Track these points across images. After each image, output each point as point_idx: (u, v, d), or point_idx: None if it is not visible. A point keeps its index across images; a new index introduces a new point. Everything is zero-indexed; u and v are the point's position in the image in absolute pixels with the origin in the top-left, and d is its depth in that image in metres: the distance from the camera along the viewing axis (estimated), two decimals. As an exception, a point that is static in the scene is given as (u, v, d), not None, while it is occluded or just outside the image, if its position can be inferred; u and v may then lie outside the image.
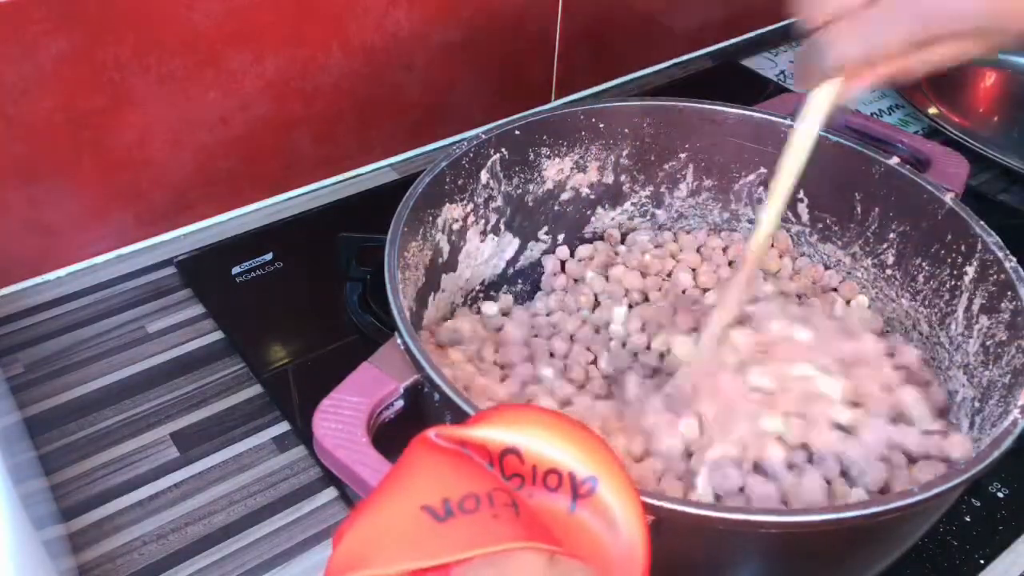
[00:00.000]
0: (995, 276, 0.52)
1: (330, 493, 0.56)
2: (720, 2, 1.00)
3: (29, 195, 0.66)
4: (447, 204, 0.58)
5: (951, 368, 0.54)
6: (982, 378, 0.51)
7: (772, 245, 0.65)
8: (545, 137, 0.62)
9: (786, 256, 0.65)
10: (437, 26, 0.79)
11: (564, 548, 0.33)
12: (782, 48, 1.03)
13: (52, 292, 0.69)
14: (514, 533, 0.32)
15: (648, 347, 0.57)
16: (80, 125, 0.65)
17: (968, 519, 0.55)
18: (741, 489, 0.48)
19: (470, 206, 0.60)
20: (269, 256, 0.71)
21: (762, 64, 1.00)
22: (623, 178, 0.66)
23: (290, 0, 0.70)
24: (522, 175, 0.62)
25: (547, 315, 0.61)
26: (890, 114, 0.93)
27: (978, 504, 0.56)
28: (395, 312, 0.47)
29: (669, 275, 0.63)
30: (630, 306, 0.61)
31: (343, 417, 0.43)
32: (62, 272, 0.70)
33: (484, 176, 0.60)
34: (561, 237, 0.66)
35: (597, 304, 0.62)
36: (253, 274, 0.70)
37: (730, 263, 0.65)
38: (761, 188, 0.65)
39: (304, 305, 0.68)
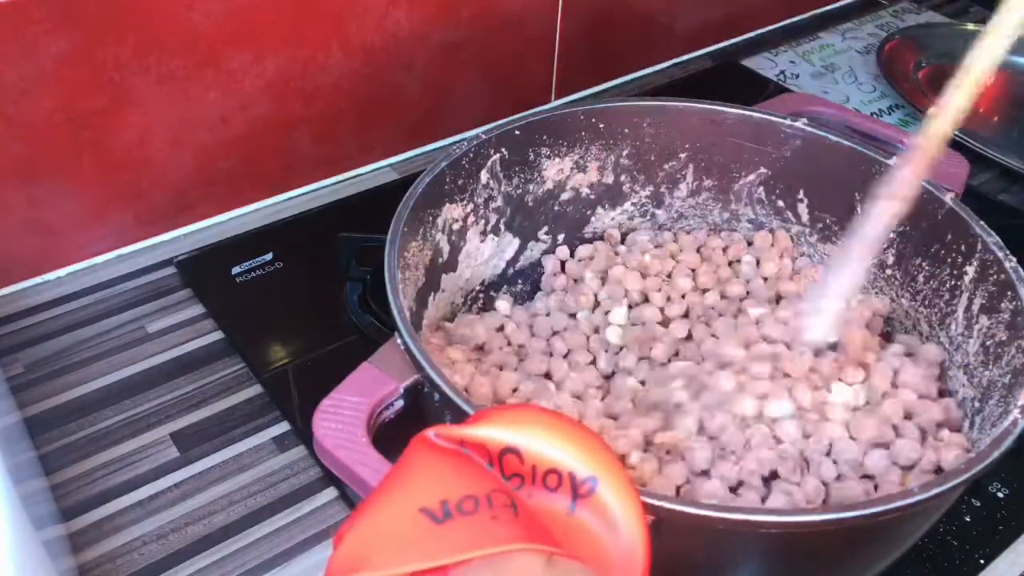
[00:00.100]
0: (995, 276, 0.52)
1: (330, 493, 0.56)
2: (720, 2, 1.00)
3: (29, 195, 0.66)
4: (447, 204, 0.58)
5: (951, 368, 0.54)
6: (982, 378, 0.51)
7: (772, 244, 0.66)
8: (545, 137, 0.62)
9: (786, 257, 0.65)
10: (437, 26, 0.79)
11: (563, 549, 0.33)
12: (782, 48, 1.03)
13: (52, 292, 0.69)
14: (512, 534, 0.32)
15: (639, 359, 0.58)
16: (80, 125, 0.65)
17: (968, 519, 0.55)
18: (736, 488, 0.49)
19: (470, 206, 0.60)
20: (269, 256, 0.71)
21: (762, 64, 1.00)
22: (623, 178, 0.66)
23: (290, 0, 0.70)
24: (522, 175, 0.62)
25: (547, 315, 0.61)
26: (890, 114, 0.93)
27: (978, 504, 0.56)
28: (395, 312, 0.47)
29: (669, 276, 0.63)
30: (630, 306, 0.61)
31: (343, 417, 0.43)
32: (62, 272, 0.70)
33: (484, 176, 0.60)
34: (561, 237, 0.66)
35: (597, 304, 0.62)
36: (253, 274, 0.70)
37: (730, 263, 0.65)
38: (761, 188, 0.65)
39: (304, 305, 0.68)
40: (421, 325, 0.55)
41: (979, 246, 0.53)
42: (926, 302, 0.58)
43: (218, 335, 0.66)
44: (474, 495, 0.33)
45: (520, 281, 0.65)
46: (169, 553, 0.53)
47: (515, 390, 0.54)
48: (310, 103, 0.75)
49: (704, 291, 0.63)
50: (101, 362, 0.63)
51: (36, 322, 0.66)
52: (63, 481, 0.56)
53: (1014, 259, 0.51)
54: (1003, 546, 0.54)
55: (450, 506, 0.32)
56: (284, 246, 0.72)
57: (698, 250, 0.66)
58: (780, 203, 0.65)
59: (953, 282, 0.55)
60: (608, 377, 0.57)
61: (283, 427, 0.60)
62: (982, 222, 0.54)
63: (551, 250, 0.66)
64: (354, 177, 0.82)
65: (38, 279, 0.69)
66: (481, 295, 0.63)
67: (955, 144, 0.79)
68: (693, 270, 0.64)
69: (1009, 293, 0.50)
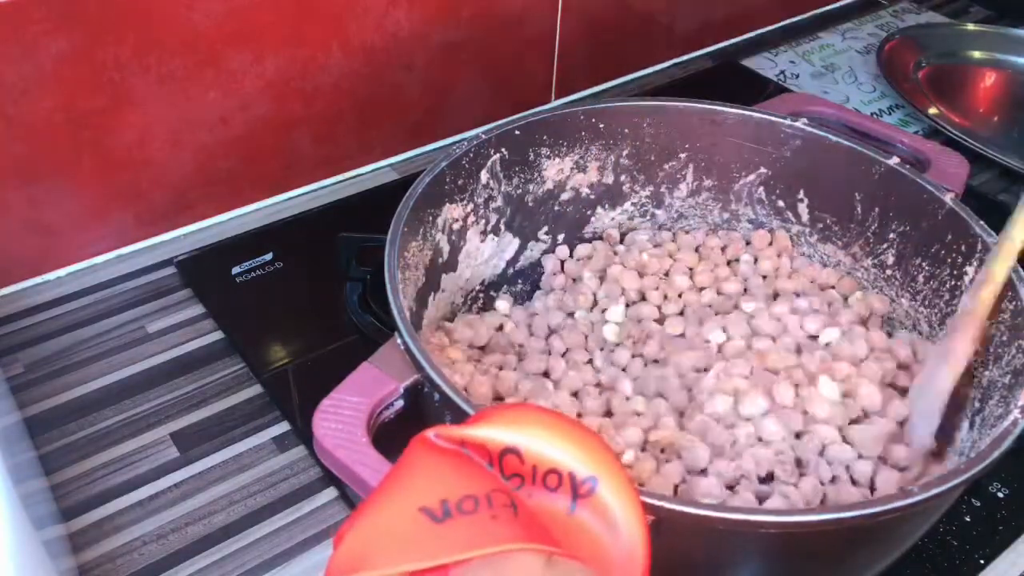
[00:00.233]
0: (995, 276, 0.52)
1: (330, 493, 0.56)
2: (720, 2, 1.00)
3: (29, 195, 0.66)
4: (447, 204, 0.58)
5: (951, 368, 0.54)
6: (982, 378, 0.51)
7: (770, 244, 0.66)
8: (545, 137, 0.62)
9: (784, 256, 0.65)
10: (437, 26, 0.79)
11: (563, 548, 0.33)
12: (782, 48, 1.03)
13: (52, 292, 0.69)
14: (512, 534, 0.32)
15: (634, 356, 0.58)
16: (80, 125, 0.65)
17: (968, 519, 0.55)
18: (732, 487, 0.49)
19: (470, 206, 0.60)
20: (269, 256, 0.71)
21: (762, 64, 1.00)
22: (623, 178, 0.66)
23: (290, 0, 0.70)
24: (522, 175, 0.62)
25: (545, 314, 0.61)
26: (890, 114, 0.93)
27: (978, 504, 0.56)
28: (395, 312, 0.47)
29: (667, 275, 0.63)
30: (627, 305, 0.61)
31: (343, 417, 0.43)
32: (62, 272, 0.70)
33: (484, 176, 0.60)
34: (561, 237, 0.66)
35: (595, 303, 0.62)
36: (253, 274, 0.70)
37: (728, 262, 0.65)
38: (761, 188, 0.65)
39: (304, 305, 0.68)
40: (421, 325, 0.55)
41: (979, 246, 0.53)
42: (926, 302, 0.58)
43: (218, 335, 0.66)
44: (474, 495, 0.33)
45: (520, 281, 0.65)
46: (169, 553, 0.53)
47: (515, 389, 0.55)
48: (310, 103, 0.75)
49: (701, 289, 0.63)
50: (101, 362, 0.63)
51: (36, 322, 0.66)
52: (63, 481, 0.56)
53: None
54: (1003, 546, 0.54)
55: (450, 506, 0.32)
56: (284, 246, 0.72)
57: (696, 249, 0.66)
58: (780, 203, 0.65)
59: (953, 282, 0.55)
60: (603, 375, 0.57)
61: (283, 427, 0.60)
62: (982, 222, 0.54)
63: (551, 250, 0.66)
64: (354, 177, 0.82)
65: (38, 279, 0.69)
66: (481, 295, 0.63)
67: (955, 144, 0.80)
68: (690, 269, 0.64)
69: (1009, 293, 0.50)
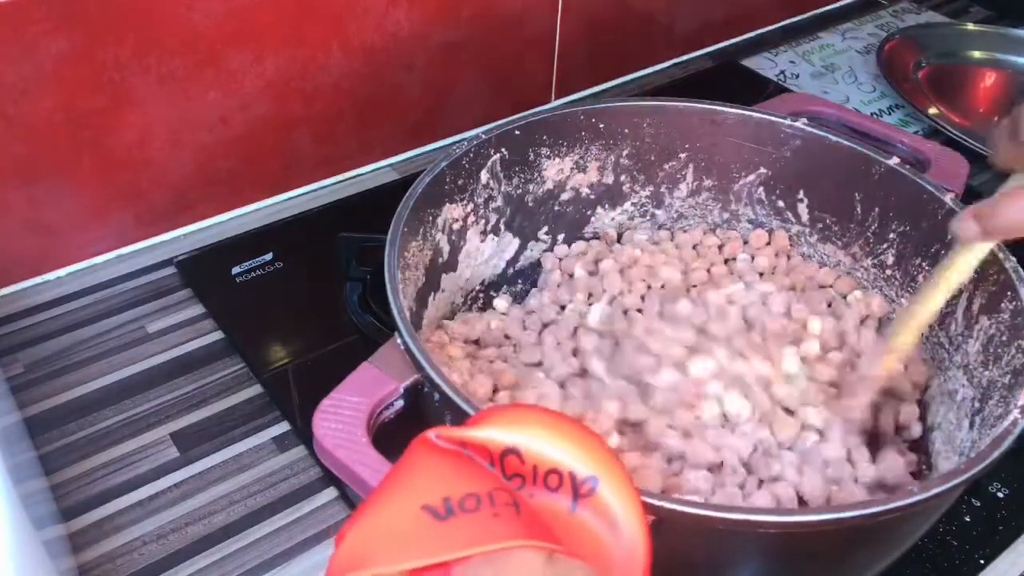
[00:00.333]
0: (995, 276, 0.52)
1: (330, 493, 0.56)
2: (720, 2, 1.00)
3: (29, 195, 0.66)
4: (447, 204, 0.58)
5: (951, 368, 0.54)
6: (982, 378, 0.51)
7: (768, 243, 0.66)
8: (545, 137, 0.62)
9: (782, 255, 0.65)
10: (437, 26, 0.79)
11: (565, 547, 0.33)
12: (782, 48, 1.03)
13: (52, 292, 0.69)
14: (514, 532, 0.32)
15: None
16: (80, 125, 0.65)
17: (968, 519, 0.55)
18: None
19: (470, 206, 0.60)
20: (269, 256, 0.71)
21: (762, 64, 1.00)
22: (623, 178, 0.66)
23: (290, 0, 0.70)
24: (522, 175, 0.62)
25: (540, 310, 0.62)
26: (890, 114, 0.93)
27: (978, 504, 0.56)
28: (395, 312, 0.47)
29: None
30: (610, 302, 0.61)
31: (343, 417, 0.43)
32: (62, 272, 0.70)
33: (484, 176, 0.60)
34: (561, 237, 0.66)
35: (590, 296, 0.62)
36: (253, 274, 0.70)
37: (726, 261, 0.65)
38: (761, 188, 0.65)
39: (304, 305, 0.68)
40: (421, 325, 0.55)
41: (979, 246, 0.53)
42: (926, 302, 0.58)
43: (218, 335, 0.66)
44: (476, 493, 0.33)
45: (520, 281, 0.65)
46: (169, 553, 0.53)
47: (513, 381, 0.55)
48: (310, 103, 0.75)
49: (691, 288, 0.63)
50: (101, 362, 0.63)
51: (36, 322, 0.66)
52: (63, 481, 0.56)
53: (1014, 259, 0.51)
54: (1003, 546, 0.54)
55: (452, 503, 0.32)
56: (284, 246, 0.72)
57: (694, 247, 0.66)
58: (780, 203, 0.65)
59: (953, 282, 0.55)
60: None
61: (283, 427, 0.60)
62: (982, 222, 0.54)
63: (551, 250, 0.66)
64: (354, 177, 0.82)
65: (38, 279, 0.69)
66: (481, 295, 0.63)
67: (955, 144, 0.79)
68: (685, 264, 0.64)
69: (1009, 293, 0.50)
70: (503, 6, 0.82)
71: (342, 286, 0.68)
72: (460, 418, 0.41)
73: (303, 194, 0.79)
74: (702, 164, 0.65)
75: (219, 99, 0.71)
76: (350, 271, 0.68)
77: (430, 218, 0.56)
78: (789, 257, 0.65)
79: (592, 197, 0.66)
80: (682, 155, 0.65)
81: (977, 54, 1.00)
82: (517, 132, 0.60)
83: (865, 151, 0.60)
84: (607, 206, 0.67)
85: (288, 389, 0.62)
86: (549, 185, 0.64)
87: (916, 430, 0.55)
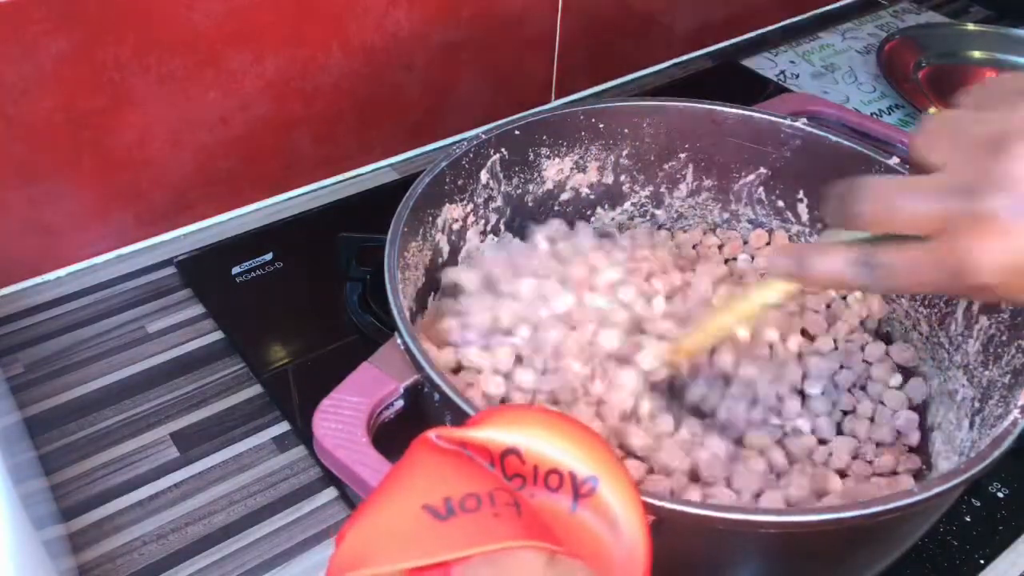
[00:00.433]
0: (995, 276, 0.52)
1: (330, 493, 0.56)
2: (720, 2, 1.00)
3: (29, 195, 0.66)
4: (447, 204, 0.58)
5: (951, 368, 0.54)
6: (982, 378, 0.51)
7: (768, 243, 0.66)
8: (545, 137, 0.62)
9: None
10: (437, 26, 0.79)
11: (565, 548, 0.33)
12: (782, 48, 1.03)
13: (52, 292, 0.69)
14: (514, 532, 0.32)
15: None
16: (80, 125, 0.65)
17: (968, 519, 0.55)
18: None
19: (470, 206, 0.60)
20: (269, 256, 0.71)
21: (762, 64, 1.00)
22: (623, 178, 0.66)
23: (290, 0, 0.70)
24: (522, 175, 0.62)
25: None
26: (890, 114, 0.93)
27: (978, 504, 0.56)
28: (395, 312, 0.47)
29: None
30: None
31: (343, 417, 0.43)
32: (62, 272, 0.70)
33: (484, 176, 0.60)
34: (561, 237, 0.66)
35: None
36: (253, 274, 0.70)
37: (726, 261, 0.65)
38: (761, 188, 0.65)
39: (304, 305, 0.68)
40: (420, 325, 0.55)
41: (979, 246, 0.53)
42: (926, 302, 0.58)
43: (218, 335, 0.66)
44: (476, 493, 0.33)
45: (520, 281, 0.65)
46: (169, 553, 0.53)
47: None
48: (310, 103, 0.75)
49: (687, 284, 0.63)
50: (101, 362, 0.63)
51: (36, 322, 0.66)
52: (63, 481, 0.56)
53: (1014, 259, 0.51)
54: (1003, 546, 0.54)
55: (453, 503, 0.32)
56: (284, 246, 0.72)
57: (694, 248, 0.66)
58: (780, 203, 0.65)
59: (953, 282, 0.55)
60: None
61: (283, 427, 0.60)
62: (982, 222, 0.54)
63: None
64: (354, 177, 0.82)
65: (38, 279, 0.69)
66: (481, 295, 0.63)
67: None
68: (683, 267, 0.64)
69: (1009, 293, 0.50)
70: (503, 6, 0.82)
71: (342, 286, 0.68)
72: (460, 418, 0.41)
73: (303, 194, 0.79)
74: (702, 164, 0.65)
75: (219, 99, 0.71)
76: (350, 271, 0.68)
77: (430, 218, 0.56)
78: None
79: (592, 197, 0.66)
80: (682, 155, 0.65)
81: (977, 54, 1.00)
82: (517, 132, 0.60)
83: (865, 151, 0.60)
84: (607, 206, 0.67)
85: (288, 389, 0.62)
86: (549, 185, 0.64)
87: (914, 438, 0.55)
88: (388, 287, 0.48)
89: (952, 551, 0.53)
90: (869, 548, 0.44)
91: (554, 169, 0.63)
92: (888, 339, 0.60)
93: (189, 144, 0.71)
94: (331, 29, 0.73)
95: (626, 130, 0.64)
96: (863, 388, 0.57)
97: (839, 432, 0.55)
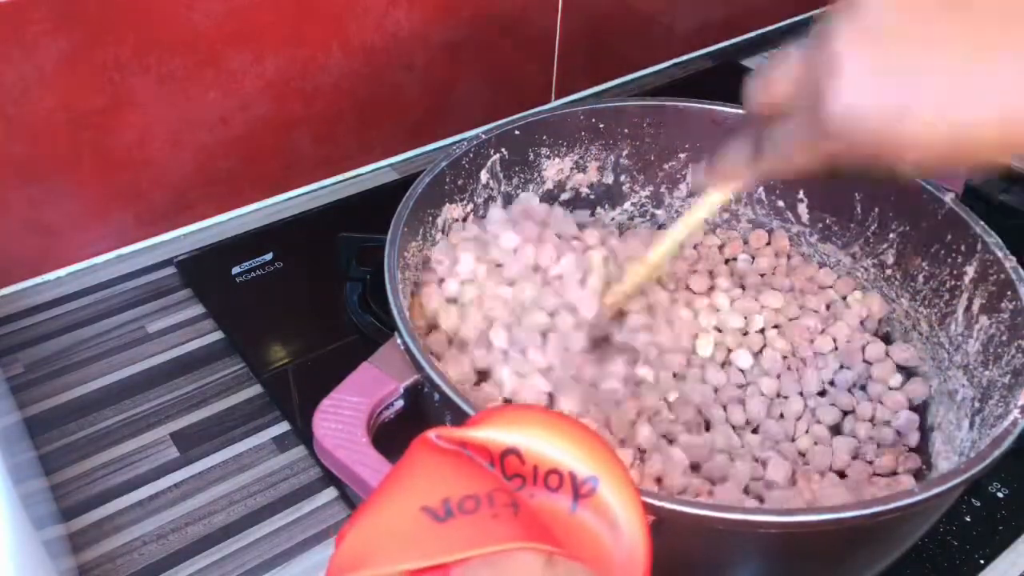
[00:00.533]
0: (995, 276, 0.52)
1: (330, 493, 0.56)
2: (720, 2, 1.00)
3: (29, 195, 0.66)
4: (447, 204, 0.58)
5: (951, 368, 0.54)
6: (982, 378, 0.51)
7: (768, 243, 0.66)
8: (545, 137, 0.62)
9: (782, 256, 0.65)
10: (437, 26, 0.79)
11: (565, 548, 0.33)
12: (782, 48, 1.03)
13: (52, 292, 0.69)
14: (513, 533, 0.32)
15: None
16: (80, 125, 0.65)
17: (968, 519, 0.55)
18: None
19: (470, 206, 0.60)
20: (269, 256, 0.71)
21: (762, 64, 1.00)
22: (623, 178, 0.66)
23: (290, 0, 0.70)
24: (522, 175, 0.62)
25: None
26: (890, 114, 0.93)
27: (978, 504, 0.56)
28: (395, 312, 0.47)
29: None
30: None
31: (343, 417, 0.43)
32: (62, 272, 0.70)
33: (484, 176, 0.60)
34: (561, 237, 0.66)
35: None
36: (253, 274, 0.70)
37: (726, 261, 0.65)
38: (761, 188, 0.65)
39: (304, 305, 0.68)
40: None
41: (979, 246, 0.53)
42: (926, 302, 0.58)
43: (218, 335, 0.66)
44: (475, 494, 0.33)
45: (520, 281, 0.65)
46: (169, 553, 0.53)
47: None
48: (310, 103, 0.75)
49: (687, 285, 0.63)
50: (101, 362, 0.63)
51: (36, 322, 0.66)
52: (63, 481, 0.56)
53: (1014, 259, 0.51)
54: (1003, 546, 0.54)
55: (452, 505, 0.32)
56: (284, 246, 0.72)
57: (694, 248, 0.66)
58: (780, 203, 0.65)
59: (953, 282, 0.55)
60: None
61: (283, 427, 0.60)
62: (982, 222, 0.54)
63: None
64: (354, 177, 0.82)
65: (38, 279, 0.69)
66: (481, 295, 0.63)
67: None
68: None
69: (1009, 293, 0.50)
70: (503, 6, 0.82)
71: (342, 286, 0.68)
72: (460, 418, 0.41)
73: (303, 194, 0.79)
74: (702, 164, 0.65)
75: (219, 99, 0.71)
76: (350, 271, 0.68)
77: (430, 218, 0.56)
78: (789, 257, 0.65)
79: (592, 197, 0.66)
80: (682, 155, 0.65)
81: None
82: (517, 132, 0.60)
83: (865, 151, 0.60)
84: (607, 206, 0.67)
85: (288, 389, 0.62)
86: (549, 185, 0.64)
87: (914, 438, 0.55)
88: (388, 287, 0.48)
89: (952, 551, 0.53)
90: (869, 548, 0.44)
91: (554, 169, 0.63)
92: (888, 339, 0.60)
93: (189, 144, 0.71)
94: (331, 29, 0.73)
95: (626, 130, 0.64)
96: (863, 388, 0.57)
97: (839, 432, 0.55)
